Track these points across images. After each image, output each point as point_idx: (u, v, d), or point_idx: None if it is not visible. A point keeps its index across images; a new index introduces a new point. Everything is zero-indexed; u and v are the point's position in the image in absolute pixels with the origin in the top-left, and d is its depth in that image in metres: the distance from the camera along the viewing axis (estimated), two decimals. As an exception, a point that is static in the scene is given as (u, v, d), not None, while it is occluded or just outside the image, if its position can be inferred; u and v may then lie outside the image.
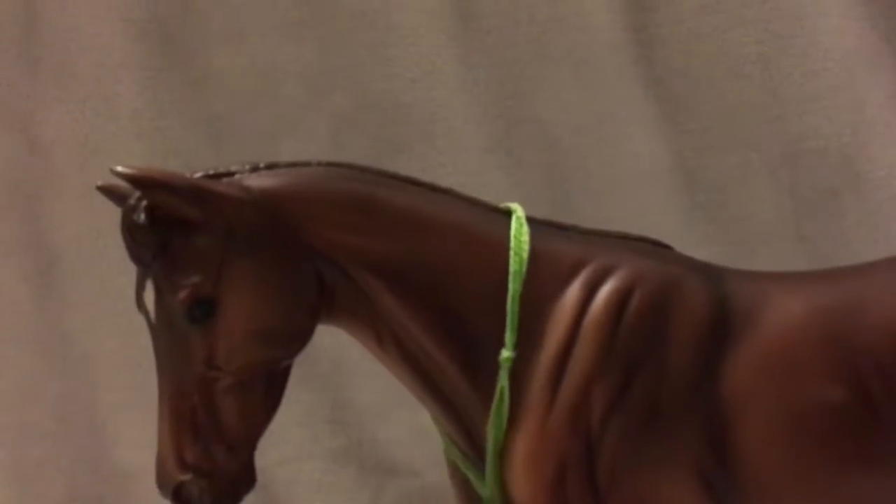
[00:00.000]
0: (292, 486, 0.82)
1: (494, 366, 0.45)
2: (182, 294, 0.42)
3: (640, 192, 0.76)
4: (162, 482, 0.43)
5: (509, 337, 0.45)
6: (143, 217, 0.42)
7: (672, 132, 0.76)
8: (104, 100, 0.81)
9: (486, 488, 0.46)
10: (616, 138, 0.77)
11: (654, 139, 0.76)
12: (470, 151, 0.78)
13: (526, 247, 0.46)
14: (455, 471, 0.48)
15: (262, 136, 0.80)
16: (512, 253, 0.46)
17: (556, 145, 0.78)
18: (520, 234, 0.46)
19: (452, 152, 0.78)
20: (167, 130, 0.80)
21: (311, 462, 0.83)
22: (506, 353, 0.45)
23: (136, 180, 0.41)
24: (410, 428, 0.78)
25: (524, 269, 0.45)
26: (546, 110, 0.78)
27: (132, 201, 0.43)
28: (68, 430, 0.83)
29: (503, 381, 0.45)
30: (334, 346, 0.79)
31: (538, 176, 0.78)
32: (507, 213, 0.48)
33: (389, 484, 0.82)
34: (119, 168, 0.41)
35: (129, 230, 0.43)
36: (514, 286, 0.45)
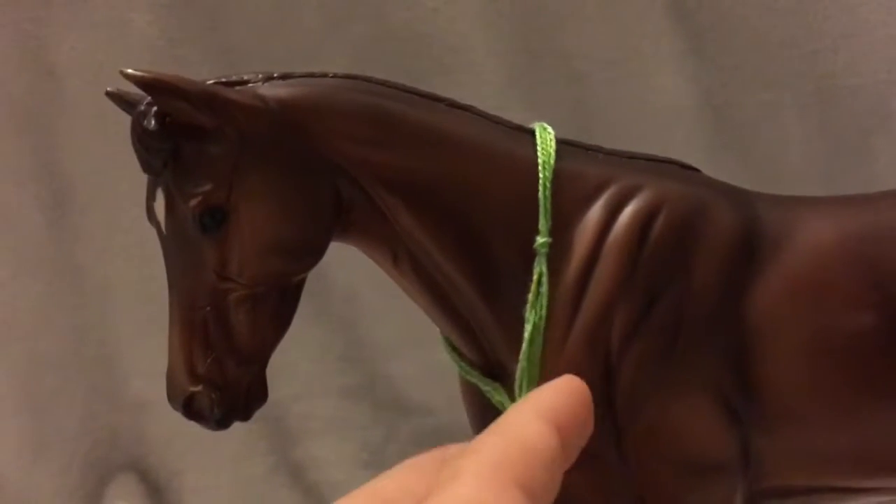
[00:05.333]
0: (306, 422, 0.82)
1: (515, 289, 0.44)
2: (193, 202, 0.40)
3: (665, 129, 0.74)
4: (172, 394, 0.42)
5: (543, 223, 0.43)
6: (153, 123, 0.41)
7: (700, 68, 0.74)
8: (118, 27, 0.79)
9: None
10: (642, 73, 0.74)
11: (682, 75, 0.74)
12: (491, 85, 0.76)
13: (552, 158, 0.44)
14: (470, 393, 0.47)
15: (279, 66, 0.78)
16: (540, 160, 0.44)
17: (581, 80, 0.75)
18: (547, 145, 0.44)
19: (473, 86, 0.76)
20: (182, 59, 0.79)
21: (324, 398, 0.82)
22: (541, 239, 0.43)
23: (146, 84, 0.40)
24: (424, 366, 0.77)
25: (550, 173, 0.44)
26: (571, 44, 0.75)
27: (142, 107, 0.42)
28: (82, 360, 0.83)
29: (541, 265, 0.43)
30: (347, 283, 0.78)
31: (561, 111, 0.76)
32: (531, 132, 0.46)
33: (403, 421, 0.82)
34: (129, 70, 0.40)
35: (140, 137, 0.41)
36: (543, 174, 0.44)
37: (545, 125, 0.46)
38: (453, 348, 0.48)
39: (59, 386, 0.83)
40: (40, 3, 0.79)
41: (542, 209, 0.43)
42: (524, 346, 0.43)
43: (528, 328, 0.43)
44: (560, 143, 0.46)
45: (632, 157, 0.47)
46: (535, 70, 0.76)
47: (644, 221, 0.44)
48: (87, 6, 0.79)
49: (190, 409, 0.42)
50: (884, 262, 0.44)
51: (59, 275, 0.82)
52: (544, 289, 0.43)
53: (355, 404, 0.82)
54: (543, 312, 0.43)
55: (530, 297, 0.43)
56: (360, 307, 0.80)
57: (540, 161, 0.44)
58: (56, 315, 0.82)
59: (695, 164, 0.49)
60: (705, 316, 0.43)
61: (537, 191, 0.44)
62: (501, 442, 0.30)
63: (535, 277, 0.43)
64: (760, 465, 0.44)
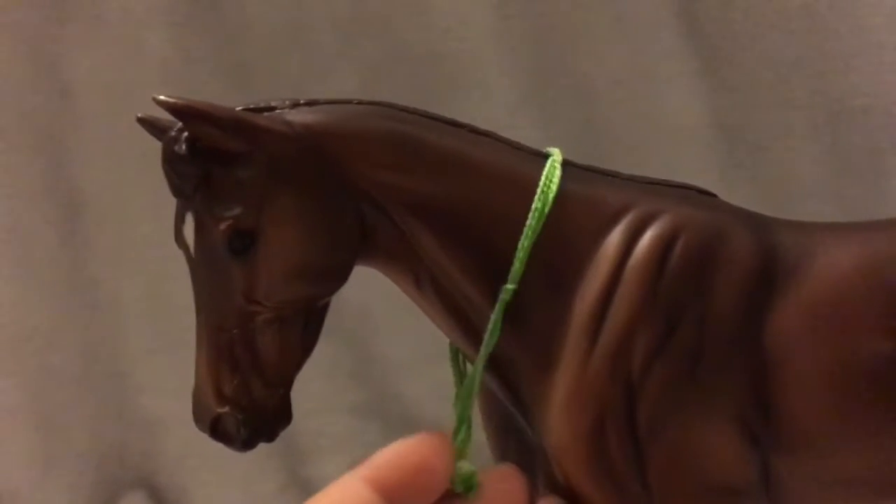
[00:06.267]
0: (317, 439, 0.82)
1: (535, 312, 0.44)
2: (223, 225, 0.41)
3: (677, 149, 0.75)
4: (199, 416, 0.42)
5: (516, 269, 0.43)
6: (184, 148, 0.41)
7: (712, 88, 0.74)
8: (132, 46, 0.80)
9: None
10: (654, 93, 0.75)
11: (694, 95, 0.75)
12: (503, 104, 0.77)
13: (554, 187, 0.44)
14: (489, 413, 0.48)
15: (292, 85, 0.78)
16: (539, 191, 0.44)
17: (593, 99, 0.76)
18: (551, 174, 0.45)
19: (485, 105, 0.77)
20: (195, 78, 0.79)
21: (335, 415, 0.82)
22: (508, 286, 0.43)
23: (177, 110, 0.40)
24: (435, 383, 0.77)
25: (547, 209, 0.44)
26: (583, 63, 0.76)
27: (173, 133, 0.42)
28: (93, 376, 0.83)
29: (497, 313, 0.43)
30: (358, 300, 0.78)
31: (572, 130, 0.76)
32: (547, 157, 0.46)
33: (414, 439, 0.82)
34: (161, 97, 0.40)
35: (170, 162, 0.42)
36: (532, 223, 0.44)
37: (555, 153, 0.46)
38: (457, 362, 0.48)
39: (70, 402, 0.84)
40: (55, 22, 0.80)
41: (518, 254, 0.43)
42: (476, 369, 0.44)
43: (481, 357, 0.44)
44: (577, 168, 0.47)
45: (650, 182, 0.48)
46: (547, 90, 0.77)
47: (663, 247, 0.44)
48: (101, 24, 0.80)
49: (216, 430, 0.42)
50: None
51: (71, 291, 0.82)
52: (493, 339, 0.43)
53: (366, 422, 0.82)
54: (484, 359, 0.44)
55: (485, 340, 0.44)
56: (372, 324, 0.80)
57: (534, 207, 0.44)
58: (67, 331, 0.83)
59: (705, 184, 0.49)
60: (726, 341, 0.44)
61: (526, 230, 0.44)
62: (319, 500, 0.37)
63: (489, 326, 0.43)
64: (780, 489, 0.45)
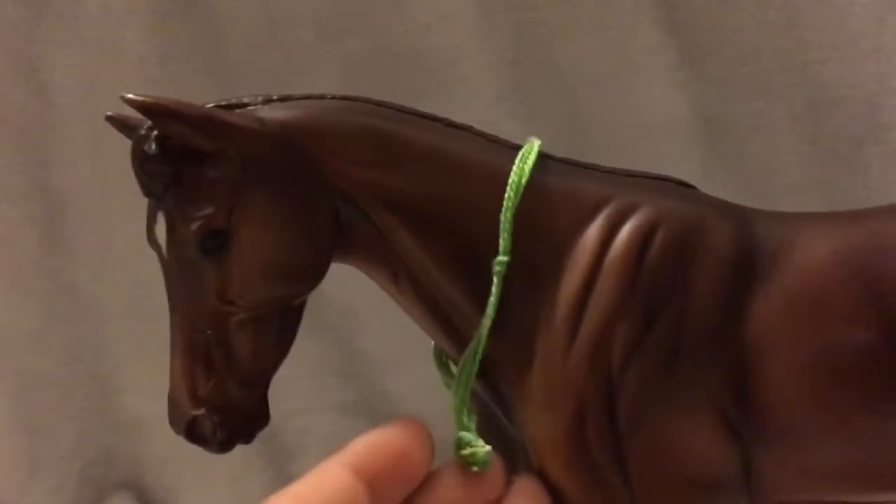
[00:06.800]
0: (302, 438, 0.82)
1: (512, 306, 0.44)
2: (194, 225, 0.41)
3: (658, 141, 0.74)
4: (174, 418, 0.42)
5: (503, 241, 0.43)
6: (154, 147, 0.41)
7: (692, 80, 0.74)
8: (110, 45, 0.79)
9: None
10: (636, 86, 0.75)
11: (674, 87, 0.74)
12: (485, 99, 0.76)
13: (527, 169, 0.44)
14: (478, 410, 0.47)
15: (272, 82, 0.78)
16: (513, 174, 0.44)
17: (574, 93, 0.76)
18: (529, 151, 0.45)
19: (466, 100, 0.76)
20: (175, 76, 0.79)
21: (320, 414, 0.82)
22: (501, 258, 0.43)
23: (147, 108, 0.40)
24: (422, 381, 0.76)
25: (524, 180, 0.44)
26: (564, 57, 0.75)
27: (143, 131, 0.42)
28: (76, 378, 0.82)
29: (498, 287, 0.43)
30: (343, 298, 0.78)
31: (554, 125, 0.76)
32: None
33: (400, 437, 0.81)
34: (129, 95, 0.40)
35: (140, 161, 0.41)
36: (510, 193, 0.43)
37: (535, 142, 0.46)
38: (442, 363, 0.47)
39: (53, 404, 0.83)
40: (32, 21, 0.79)
41: (502, 226, 0.43)
42: (465, 359, 0.44)
43: (466, 352, 0.43)
44: (556, 161, 0.47)
45: (628, 174, 0.48)
46: (528, 84, 0.77)
47: (642, 240, 0.44)
48: (78, 23, 0.79)
49: (192, 432, 0.42)
50: (881, 278, 0.44)
51: (53, 292, 0.82)
52: (490, 311, 0.43)
53: (352, 420, 0.81)
54: (485, 333, 0.43)
55: (485, 315, 0.43)
56: (357, 322, 0.80)
57: (511, 181, 0.44)
58: (49, 333, 0.82)
59: (687, 176, 0.49)
60: (705, 333, 0.44)
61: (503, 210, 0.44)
62: (300, 485, 0.36)
63: (491, 299, 0.43)
64: (761, 481, 0.45)
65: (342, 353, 0.81)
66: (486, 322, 0.43)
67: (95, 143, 0.78)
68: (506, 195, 0.44)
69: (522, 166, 0.44)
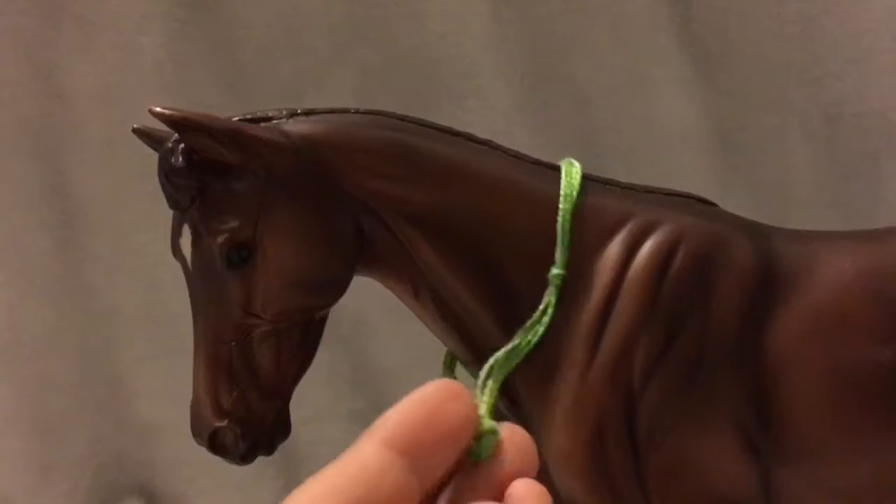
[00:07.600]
0: (314, 447, 0.82)
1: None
2: (220, 238, 0.41)
3: (673, 155, 0.75)
4: (197, 429, 0.42)
5: (560, 255, 0.43)
6: (181, 160, 0.41)
7: (707, 93, 0.74)
8: (127, 51, 0.79)
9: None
10: (649, 98, 0.75)
11: (689, 100, 0.75)
12: (499, 109, 0.77)
13: (576, 192, 0.44)
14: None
15: (287, 91, 0.78)
16: (562, 192, 0.44)
17: (588, 104, 0.76)
18: (572, 178, 0.45)
19: (481, 110, 0.76)
20: (191, 83, 0.79)
21: (332, 422, 0.82)
22: (556, 271, 0.43)
23: (173, 121, 0.40)
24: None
25: (573, 208, 0.44)
26: (578, 68, 0.76)
27: (169, 144, 0.42)
28: (89, 383, 0.83)
29: (551, 296, 0.43)
30: (356, 308, 0.78)
31: (568, 136, 0.76)
32: (553, 167, 0.46)
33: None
34: (157, 109, 0.40)
35: (167, 174, 0.42)
36: (564, 206, 0.44)
37: (572, 161, 0.46)
38: (447, 366, 0.48)
39: (66, 408, 0.83)
40: (50, 27, 0.80)
41: (559, 241, 0.44)
42: (497, 358, 0.42)
43: (510, 344, 0.43)
44: (582, 177, 0.47)
45: (650, 191, 0.48)
46: (543, 94, 0.77)
47: (663, 257, 0.44)
48: (96, 30, 0.79)
49: (214, 443, 0.42)
50: None
51: (67, 297, 0.82)
52: (547, 318, 0.43)
53: (364, 428, 0.81)
54: (535, 339, 0.43)
55: (529, 322, 0.43)
56: (369, 331, 0.80)
57: (562, 194, 0.44)
58: (63, 337, 0.82)
59: (701, 188, 0.49)
60: (725, 350, 0.44)
61: (556, 223, 0.44)
62: (333, 469, 0.32)
63: (541, 307, 0.43)
64: (781, 499, 0.45)
65: (354, 363, 0.81)
66: (539, 330, 0.43)
67: (112, 149, 0.78)
68: (560, 210, 0.44)
69: (571, 182, 0.44)
